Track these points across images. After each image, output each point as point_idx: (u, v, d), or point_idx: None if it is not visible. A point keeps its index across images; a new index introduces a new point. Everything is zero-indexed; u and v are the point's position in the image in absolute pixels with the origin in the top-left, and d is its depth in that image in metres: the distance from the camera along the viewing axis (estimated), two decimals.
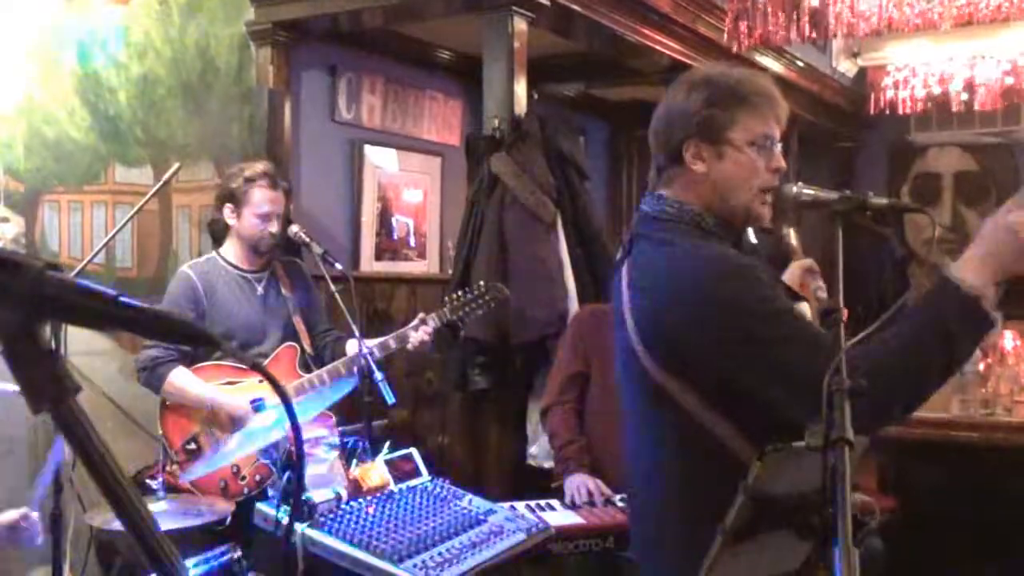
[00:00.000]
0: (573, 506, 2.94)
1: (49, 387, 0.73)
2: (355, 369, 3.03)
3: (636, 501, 1.98)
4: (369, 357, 2.97)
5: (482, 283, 3.28)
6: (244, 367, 3.07)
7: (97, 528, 2.83)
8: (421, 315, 3.18)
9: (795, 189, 1.72)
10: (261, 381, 3.00)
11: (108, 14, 4.26)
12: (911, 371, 1.58)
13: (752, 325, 1.63)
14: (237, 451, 2.49)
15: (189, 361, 3.08)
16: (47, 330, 0.73)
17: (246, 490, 3.01)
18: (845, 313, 1.47)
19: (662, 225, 1.78)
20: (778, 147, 1.77)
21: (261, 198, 3.14)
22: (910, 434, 3.02)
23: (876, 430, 1.61)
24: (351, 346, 3.22)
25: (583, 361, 3.15)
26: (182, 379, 3.05)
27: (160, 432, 3.12)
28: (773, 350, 1.61)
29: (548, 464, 3.53)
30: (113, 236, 3.49)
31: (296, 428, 0.75)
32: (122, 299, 0.73)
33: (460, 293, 3.26)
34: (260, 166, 3.23)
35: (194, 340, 0.78)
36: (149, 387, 3.10)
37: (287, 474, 2.28)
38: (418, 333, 3.13)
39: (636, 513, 1.97)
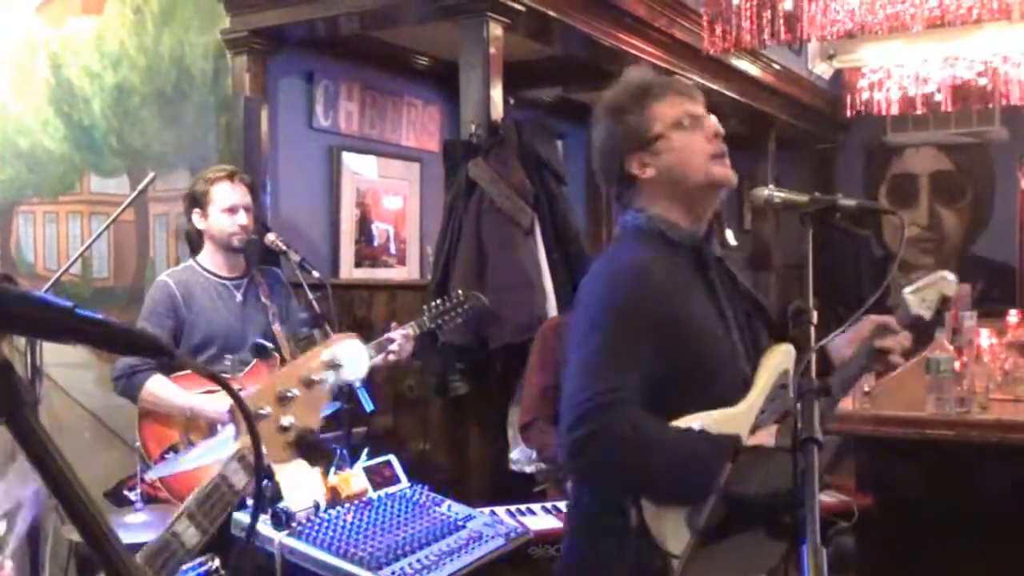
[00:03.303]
0: (556, 510, 2.95)
1: (5, 399, 0.72)
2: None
3: None
4: None
5: (460, 291, 3.28)
6: (225, 374, 3.05)
7: (76, 542, 2.82)
8: (395, 330, 3.17)
9: (766, 192, 1.74)
10: (241, 388, 2.99)
11: (82, 24, 4.24)
12: (648, 470, 1.62)
13: (589, 325, 1.70)
14: (203, 456, 2.48)
15: (167, 369, 3.06)
16: (2, 342, 0.73)
17: None
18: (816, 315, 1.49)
19: (626, 235, 1.84)
20: (708, 118, 1.81)
21: (223, 192, 3.17)
22: (887, 433, 3.04)
23: (570, 467, 1.71)
24: None
25: (552, 374, 3.16)
26: (160, 386, 3.03)
27: (138, 442, 3.09)
28: (578, 352, 1.68)
29: (529, 469, 3.53)
30: (89, 246, 3.47)
31: (255, 436, 0.75)
32: (78, 311, 0.72)
33: (439, 301, 3.26)
34: (220, 167, 3.29)
35: (151, 352, 0.78)
36: (126, 395, 3.07)
37: (265, 483, 2.27)
38: (397, 349, 3.12)
39: None
